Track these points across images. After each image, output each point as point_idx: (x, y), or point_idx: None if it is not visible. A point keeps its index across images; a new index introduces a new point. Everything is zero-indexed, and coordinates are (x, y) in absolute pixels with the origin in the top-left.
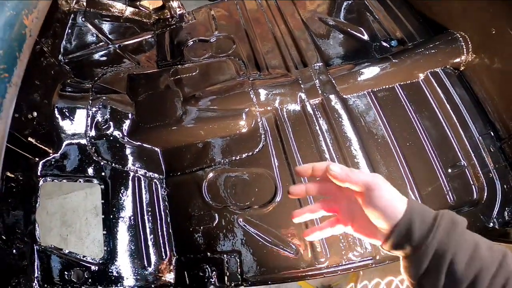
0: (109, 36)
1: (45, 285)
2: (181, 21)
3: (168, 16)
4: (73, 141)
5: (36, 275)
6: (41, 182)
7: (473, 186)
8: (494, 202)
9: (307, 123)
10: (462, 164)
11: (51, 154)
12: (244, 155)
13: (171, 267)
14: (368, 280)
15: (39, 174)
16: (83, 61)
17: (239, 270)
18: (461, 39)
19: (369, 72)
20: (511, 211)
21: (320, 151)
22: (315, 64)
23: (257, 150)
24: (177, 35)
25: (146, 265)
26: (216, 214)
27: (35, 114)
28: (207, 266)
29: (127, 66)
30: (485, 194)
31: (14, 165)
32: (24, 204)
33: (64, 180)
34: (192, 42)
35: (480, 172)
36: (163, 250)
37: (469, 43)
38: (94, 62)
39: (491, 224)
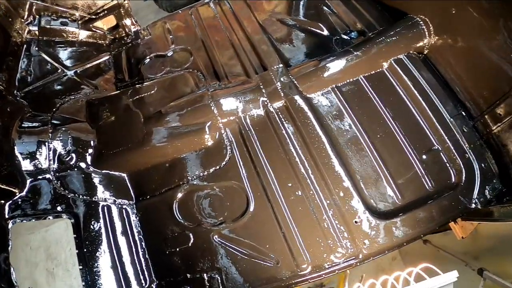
0: (65, 63)
1: None
2: (136, 38)
3: (123, 34)
4: (38, 178)
5: None
6: (10, 225)
7: (450, 169)
8: (474, 183)
9: (272, 128)
10: (436, 148)
11: (17, 194)
12: (211, 170)
13: None
14: (360, 281)
15: (7, 216)
16: (40, 93)
17: (221, 287)
18: (421, 22)
19: (331, 67)
20: (492, 189)
21: (289, 155)
22: (275, 67)
23: (224, 162)
24: (133, 54)
25: None
26: (190, 234)
27: None
28: (189, 287)
29: (86, 92)
30: (463, 175)
31: None
32: None
33: (33, 220)
34: (148, 59)
35: (456, 154)
36: (142, 277)
37: (430, 25)
38: (51, 92)
39: (473, 205)
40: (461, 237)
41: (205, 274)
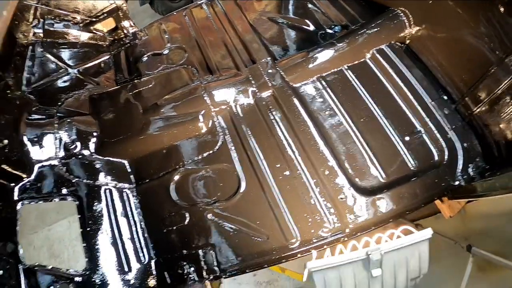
0: (68, 62)
1: None
2: (134, 39)
3: (122, 35)
4: (45, 164)
5: None
6: (19, 206)
7: (432, 149)
8: (456, 161)
9: (261, 115)
10: (418, 130)
11: (25, 178)
12: (205, 154)
13: (152, 270)
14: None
15: (16, 198)
16: (46, 89)
17: (215, 262)
18: (402, 14)
19: (316, 59)
20: (475, 167)
21: (277, 139)
22: (263, 60)
23: (217, 147)
24: (132, 53)
25: (127, 271)
26: (186, 213)
27: (5, 142)
28: (185, 263)
29: (88, 88)
30: (446, 154)
31: None
32: (5, 228)
33: (41, 202)
34: (146, 58)
35: (438, 135)
36: (141, 254)
37: (410, 16)
38: (56, 88)
39: (457, 182)
40: (448, 216)
41: (200, 250)
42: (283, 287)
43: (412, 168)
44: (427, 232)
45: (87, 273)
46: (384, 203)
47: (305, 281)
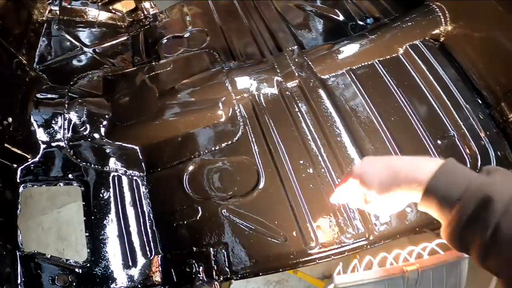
0: (83, 41)
1: None
2: (154, 21)
3: (142, 17)
4: (52, 145)
5: (19, 281)
6: (21, 189)
7: (465, 155)
8: None
9: (285, 107)
10: (452, 134)
11: (29, 160)
12: (223, 144)
13: (157, 265)
14: (372, 255)
15: (18, 180)
16: (59, 68)
17: (227, 262)
18: (437, 10)
19: (346, 50)
20: None
21: (301, 132)
22: (290, 48)
23: (236, 138)
24: (151, 35)
25: (131, 265)
26: (199, 207)
27: (10, 119)
28: (194, 261)
29: (103, 68)
30: (479, 162)
31: None
32: (4, 211)
33: (44, 185)
34: (166, 40)
35: (471, 141)
36: (147, 248)
37: (446, 13)
38: (70, 67)
39: None
40: None
41: (211, 248)
42: None
43: None
44: None
45: (89, 264)
46: (412, 211)
47: None
